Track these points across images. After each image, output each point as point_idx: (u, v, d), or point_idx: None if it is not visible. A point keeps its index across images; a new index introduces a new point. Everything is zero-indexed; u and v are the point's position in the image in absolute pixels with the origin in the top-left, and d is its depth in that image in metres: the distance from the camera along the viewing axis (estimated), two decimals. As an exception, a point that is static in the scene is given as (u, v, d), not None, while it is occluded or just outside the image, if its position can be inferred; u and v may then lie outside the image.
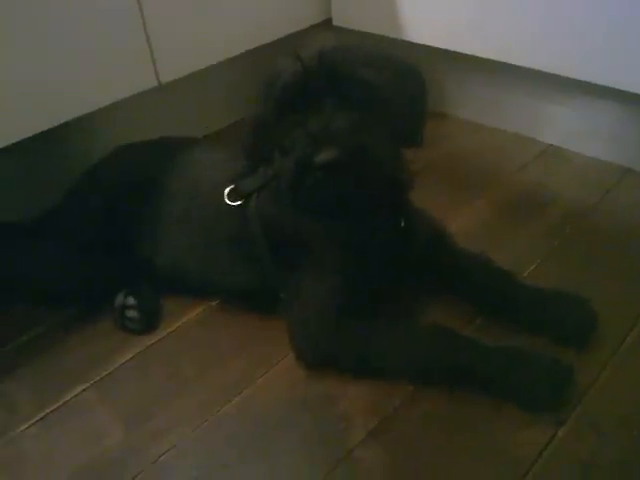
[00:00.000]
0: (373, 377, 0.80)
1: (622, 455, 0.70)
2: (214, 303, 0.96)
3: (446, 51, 1.28)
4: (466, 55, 1.25)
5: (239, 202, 0.87)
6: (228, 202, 0.87)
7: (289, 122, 0.73)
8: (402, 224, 0.84)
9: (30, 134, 1.01)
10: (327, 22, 1.44)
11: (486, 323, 0.87)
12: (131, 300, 0.91)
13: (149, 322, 0.92)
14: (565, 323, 0.82)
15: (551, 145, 1.29)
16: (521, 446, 0.71)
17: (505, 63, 1.20)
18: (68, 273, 0.95)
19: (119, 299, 0.92)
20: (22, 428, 0.80)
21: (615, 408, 0.75)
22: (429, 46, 1.29)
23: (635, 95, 1.06)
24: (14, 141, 0.99)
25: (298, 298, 0.84)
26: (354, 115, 0.70)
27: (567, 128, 1.26)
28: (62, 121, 1.04)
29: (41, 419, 0.81)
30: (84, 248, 0.95)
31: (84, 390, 0.84)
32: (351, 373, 0.81)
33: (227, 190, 0.88)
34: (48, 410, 0.82)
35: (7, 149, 0.99)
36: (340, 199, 0.73)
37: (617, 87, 1.07)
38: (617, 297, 0.89)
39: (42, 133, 1.03)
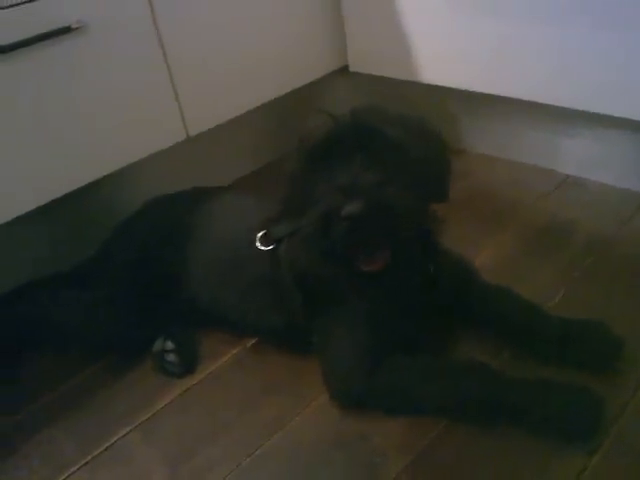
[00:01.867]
0: (407, 414, 0.82)
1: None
2: (249, 344, 1.00)
3: (461, 89, 1.32)
4: (482, 93, 1.29)
5: (271, 247, 0.91)
6: (260, 247, 0.91)
7: (320, 175, 0.77)
8: (431, 269, 0.87)
9: (68, 190, 1.07)
10: (344, 69, 1.50)
11: (514, 356, 0.89)
12: (170, 344, 0.95)
13: (188, 365, 0.96)
14: (591, 352, 0.84)
15: (569, 175, 1.31)
16: (556, 477, 0.72)
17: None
18: (108, 321, 0.99)
19: (158, 344, 0.96)
20: (70, 472, 0.84)
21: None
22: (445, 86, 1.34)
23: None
24: (53, 198, 1.06)
25: (330, 341, 0.87)
26: (381, 171, 0.74)
27: (584, 158, 1.29)
28: (97, 177, 1.10)
29: (88, 462, 0.85)
30: (122, 296, 1.00)
31: (128, 433, 0.88)
32: (385, 412, 0.83)
33: (259, 235, 0.92)
34: (95, 453, 0.86)
35: (45, 205, 1.05)
36: (367, 248, 0.76)
37: (631, 117, 1.10)
38: (641, 324, 0.91)
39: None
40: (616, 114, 1.11)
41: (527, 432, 0.77)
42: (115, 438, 0.87)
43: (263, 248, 0.91)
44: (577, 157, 1.30)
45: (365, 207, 0.71)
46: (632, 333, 0.86)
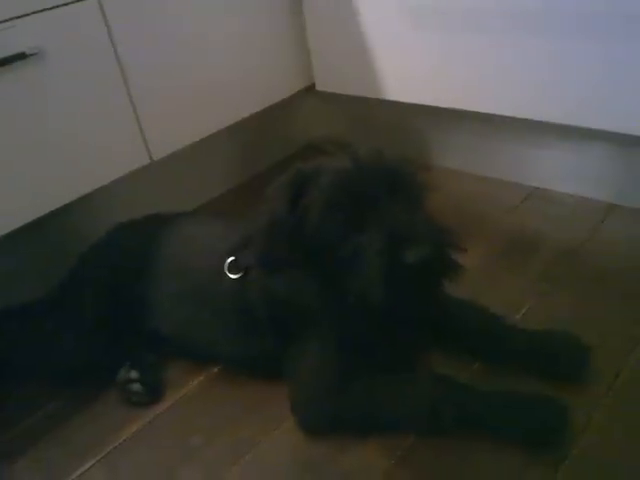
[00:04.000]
0: (376, 433, 0.81)
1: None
2: (215, 370, 0.98)
3: (427, 105, 1.33)
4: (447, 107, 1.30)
5: (240, 274, 0.89)
6: (229, 274, 0.89)
7: (340, 221, 0.73)
8: None
9: (32, 218, 1.05)
10: (311, 88, 1.51)
11: (483, 368, 0.88)
12: (134, 374, 0.93)
13: (153, 394, 0.94)
14: (559, 361, 0.84)
15: (536, 188, 1.32)
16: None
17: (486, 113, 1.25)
18: (72, 352, 0.97)
19: (122, 373, 0.94)
20: (33, 509, 0.82)
21: (615, 441, 0.75)
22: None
23: (615, 133, 1.09)
24: (16, 227, 1.04)
25: (299, 367, 0.85)
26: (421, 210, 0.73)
27: (550, 170, 1.30)
28: (60, 204, 1.09)
29: (51, 498, 0.82)
30: (87, 326, 0.98)
31: (93, 466, 0.86)
32: (355, 433, 0.82)
33: (227, 262, 0.90)
34: (59, 488, 0.83)
35: (8, 235, 1.03)
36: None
37: (596, 128, 1.11)
38: (609, 333, 0.90)
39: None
40: (588, 126, 1.12)
41: (494, 446, 0.76)
42: (80, 471, 0.85)
43: (232, 276, 0.89)
44: (543, 169, 1.31)
45: (431, 250, 0.68)
46: (600, 342, 0.86)
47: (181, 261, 0.98)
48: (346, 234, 0.73)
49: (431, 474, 0.76)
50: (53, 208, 1.08)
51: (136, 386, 0.93)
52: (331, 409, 0.81)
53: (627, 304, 0.96)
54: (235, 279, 0.89)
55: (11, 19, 0.96)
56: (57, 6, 1.00)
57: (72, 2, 1.02)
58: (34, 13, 0.98)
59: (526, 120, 1.20)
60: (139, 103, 1.16)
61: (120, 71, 1.12)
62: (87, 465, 0.86)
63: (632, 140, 1.11)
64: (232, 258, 0.90)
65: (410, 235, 0.68)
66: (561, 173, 1.28)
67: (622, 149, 1.17)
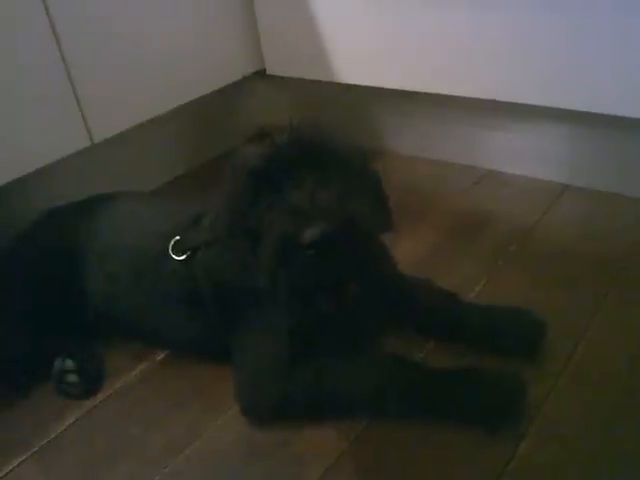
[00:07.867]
0: (328, 418, 0.77)
1: (588, 460, 0.68)
2: (158, 358, 0.93)
3: (379, 88, 1.30)
4: (398, 90, 1.28)
5: (185, 255, 0.84)
6: (174, 256, 0.85)
7: (264, 200, 0.68)
8: None
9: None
10: (261, 72, 1.46)
11: (438, 347, 0.86)
12: (70, 364, 0.87)
13: (91, 385, 0.88)
14: (514, 338, 0.81)
15: (489, 170, 1.31)
16: (483, 467, 0.69)
17: (438, 94, 1.23)
18: (7, 342, 0.90)
19: (57, 364, 0.87)
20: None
21: (574, 415, 0.73)
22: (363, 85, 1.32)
23: (566, 112, 1.09)
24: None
25: (246, 352, 0.81)
26: (335, 186, 0.67)
27: (503, 152, 1.29)
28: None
29: (-24, 499, 0.76)
30: (17, 316, 0.92)
31: (22, 462, 0.79)
32: (306, 418, 0.78)
33: (172, 243, 0.86)
34: (-17, 489, 0.77)
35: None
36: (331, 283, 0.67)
37: (547, 105, 1.10)
38: (564, 310, 0.89)
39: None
40: (544, 104, 1.11)
41: (451, 424, 0.73)
42: (7, 469, 0.78)
43: (176, 257, 0.85)
44: (496, 152, 1.30)
45: (330, 229, 0.62)
46: (555, 318, 0.84)
47: (124, 241, 0.92)
48: (257, 216, 0.68)
49: (387, 456, 0.72)
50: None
51: (72, 377, 0.87)
52: (277, 394, 0.77)
53: (579, 281, 0.95)
54: (180, 261, 0.84)
55: None
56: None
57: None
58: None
59: (479, 101, 1.19)
60: (79, 84, 1.10)
61: (58, 50, 1.06)
62: (16, 462, 0.79)
63: (584, 119, 1.10)
64: (177, 238, 0.86)
65: (307, 215, 0.63)
66: (513, 155, 1.27)
67: (575, 129, 1.16)
